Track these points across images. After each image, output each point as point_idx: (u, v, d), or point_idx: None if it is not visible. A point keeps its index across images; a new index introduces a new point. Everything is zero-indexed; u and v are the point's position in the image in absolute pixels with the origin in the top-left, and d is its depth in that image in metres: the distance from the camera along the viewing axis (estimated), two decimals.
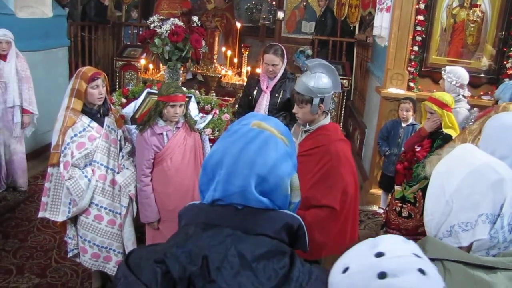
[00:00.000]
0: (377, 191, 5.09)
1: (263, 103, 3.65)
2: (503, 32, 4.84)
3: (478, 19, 4.82)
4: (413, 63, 4.93)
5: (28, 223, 4.26)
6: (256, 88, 3.73)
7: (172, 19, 3.78)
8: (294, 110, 2.68)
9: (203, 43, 3.87)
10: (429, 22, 4.88)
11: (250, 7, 10.88)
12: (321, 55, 8.23)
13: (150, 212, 3.06)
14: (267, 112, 3.61)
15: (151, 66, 4.94)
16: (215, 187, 1.02)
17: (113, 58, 8.15)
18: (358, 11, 7.73)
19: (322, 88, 2.55)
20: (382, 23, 5.10)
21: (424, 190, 3.14)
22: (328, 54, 8.28)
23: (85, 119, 2.89)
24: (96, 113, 2.95)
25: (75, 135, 2.85)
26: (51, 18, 6.00)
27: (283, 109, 3.63)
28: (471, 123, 3.85)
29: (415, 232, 3.43)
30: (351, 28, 8.47)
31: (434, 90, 4.16)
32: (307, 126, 2.69)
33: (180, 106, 2.96)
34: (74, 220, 3.03)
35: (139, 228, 3.31)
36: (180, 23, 3.73)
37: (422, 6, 4.80)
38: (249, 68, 4.90)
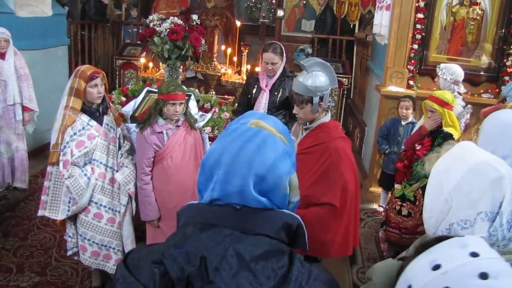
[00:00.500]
0: (377, 190, 5.09)
1: (263, 101, 3.65)
2: (503, 30, 4.84)
3: (478, 17, 4.81)
4: (413, 61, 4.93)
5: (28, 222, 4.26)
6: (255, 86, 3.73)
7: (171, 17, 3.77)
8: (294, 111, 2.69)
9: (203, 41, 3.86)
10: (429, 20, 4.87)
11: (250, 5, 10.87)
12: (321, 53, 8.23)
13: (150, 211, 3.07)
14: (266, 111, 3.61)
15: (151, 64, 4.94)
16: (213, 187, 1.01)
17: (113, 57, 8.14)
18: (358, 9, 7.72)
19: (320, 86, 2.55)
20: (382, 21, 5.10)
21: (424, 188, 3.14)
22: (328, 53, 8.28)
23: (84, 118, 2.89)
24: (95, 112, 2.95)
25: (75, 133, 2.85)
26: (51, 17, 6.00)
27: (282, 108, 3.63)
28: (464, 120, 3.86)
29: (415, 231, 3.43)
30: (351, 26, 8.46)
31: (434, 88, 4.16)
32: (308, 124, 2.70)
33: (180, 104, 2.96)
34: (73, 218, 3.03)
35: (139, 227, 3.31)
36: (180, 22, 3.73)
37: (421, 4, 4.79)
38: (248, 67, 4.90)
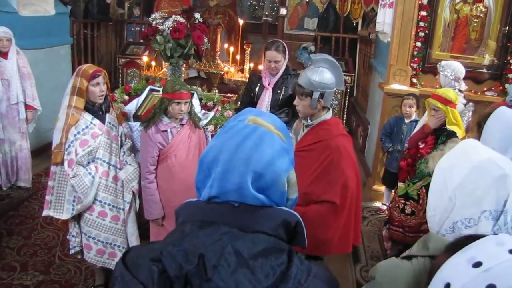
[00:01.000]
0: (380, 188, 5.08)
1: (265, 99, 3.64)
2: (507, 28, 4.81)
3: (481, 15, 4.79)
4: (416, 59, 4.91)
5: (32, 221, 4.27)
6: (258, 84, 3.73)
7: (174, 16, 3.77)
8: (295, 102, 2.68)
9: (205, 39, 3.86)
10: (432, 18, 4.85)
11: (252, 4, 10.87)
12: (324, 51, 8.20)
13: (154, 209, 3.07)
14: (269, 109, 3.61)
15: (153, 63, 4.94)
16: (211, 184, 1.01)
17: (115, 56, 8.15)
18: (360, 7, 7.71)
19: (324, 83, 2.54)
20: (385, 19, 5.09)
21: (427, 187, 3.13)
22: (331, 51, 8.27)
23: (88, 116, 2.90)
24: (98, 110, 2.96)
25: (78, 132, 2.85)
26: (54, 16, 6.00)
27: (285, 106, 3.62)
28: (466, 118, 3.85)
29: (418, 229, 3.42)
30: (354, 24, 8.45)
31: (437, 86, 4.14)
32: (309, 121, 2.69)
33: (185, 103, 2.96)
34: (77, 218, 3.04)
35: (143, 225, 3.32)
36: (182, 20, 3.73)
37: (425, 1, 4.77)
38: (251, 65, 4.90)
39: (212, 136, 3.47)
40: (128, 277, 0.94)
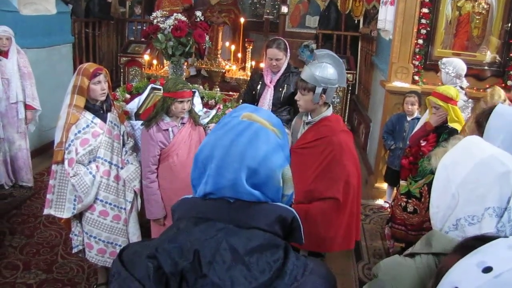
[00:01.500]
0: (383, 185, 5.08)
1: (267, 97, 3.64)
2: (509, 24, 4.79)
3: (483, 11, 4.78)
4: (417, 57, 4.90)
5: (34, 220, 4.27)
6: (260, 82, 3.73)
7: (175, 14, 3.77)
8: (296, 97, 2.69)
9: (207, 38, 3.86)
10: (434, 15, 4.84)
11: (254, 2, 10.85)
12: (325, 49, 8.18)
13: (156, 209, 3.06)
14: (271, 107, 3.61)
15: (155, 61, 4.94)
16: (206, 181, 1.00)
17: (117, 54, 8.15)
18: (362, 5, 7.70)
19: (327, 78, 2.54)
20: (386, 16, 5.07)
21: (430, 185, 3.12)
22: (332, 48, 8.24)
23: (88, 115, 2.89)
24: (99, 109, 2.95)
25: (79, 131, 2.85)
26: (55, 15, 6.00)
27: (287, 104, 3.62)
28: (465, 115, 3.84)
29: (420, 227, 3.42)
30: (356, 21, 8.43)
31: (439, 84, 4.13)
32: (309, 118, 2.69)
33: (188, 101, 2.96)
34: (79, 217, 3.04)
35: (144, 224, 3.32)
36: (183, 18, 3.72)
37: None
38: (253, 63, 4.89)
39: None
40: (124, 273, 0.94)
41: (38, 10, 5.71)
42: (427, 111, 3.63)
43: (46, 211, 3.01)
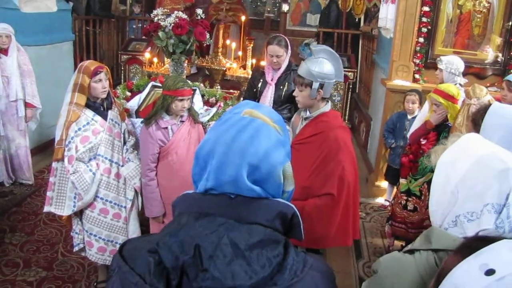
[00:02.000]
0: (383, 184, 5.08)
1: (268, 95, 3.64)
2: (510, 23, 4.79)
3: (484, 10, 4.77)
4: (418, 55, 4.89)
5: (34, 217, 4.28)
6: (261, 80, 3.73)
7: (176, 12, 3.77)
8: (294, 93, 2.70)
9: (207, 36, 3.86)
10: (435, 13, 4.83)
11: (255, 0, 10.85)
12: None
13: (155, 207, 3.07)
14: (272, 105, 3.60)
15: (155, 59, 4.93)
16: (207, 177, 1.01)
17: (118, 52, 8.15)
18: (363, 3, 7.69)
19: (323, 73, 2.55)
20: (387, 14, 5.07)
21: (430, 183, 3.12)
22: (333, 47, 8.23)
23: (89, 113, 2.89)
24: (99, 107, 2.95)
25: (79, 129, 2.85)
26: (56, 13, 6.00)
27: (287, 102, 3.62)
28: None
29: (420, 226, 3.42)
30: (356, 20, 8.42)
31: (439, 82, 4.13)
32: (307, 113, 2.70)
33: (187, 100, 2.96)
34: (79, 214, 3.04)
35: (144, 222, 3.32)
36: (184, 16, 3.72)
37: None
38: (254, 61, 4.89)
39: None
40: (125, 268, 0.94)
41: (39, 7, 5.71)
42: (424, 108, 3.63)
43: (46, 209, 3.02)
